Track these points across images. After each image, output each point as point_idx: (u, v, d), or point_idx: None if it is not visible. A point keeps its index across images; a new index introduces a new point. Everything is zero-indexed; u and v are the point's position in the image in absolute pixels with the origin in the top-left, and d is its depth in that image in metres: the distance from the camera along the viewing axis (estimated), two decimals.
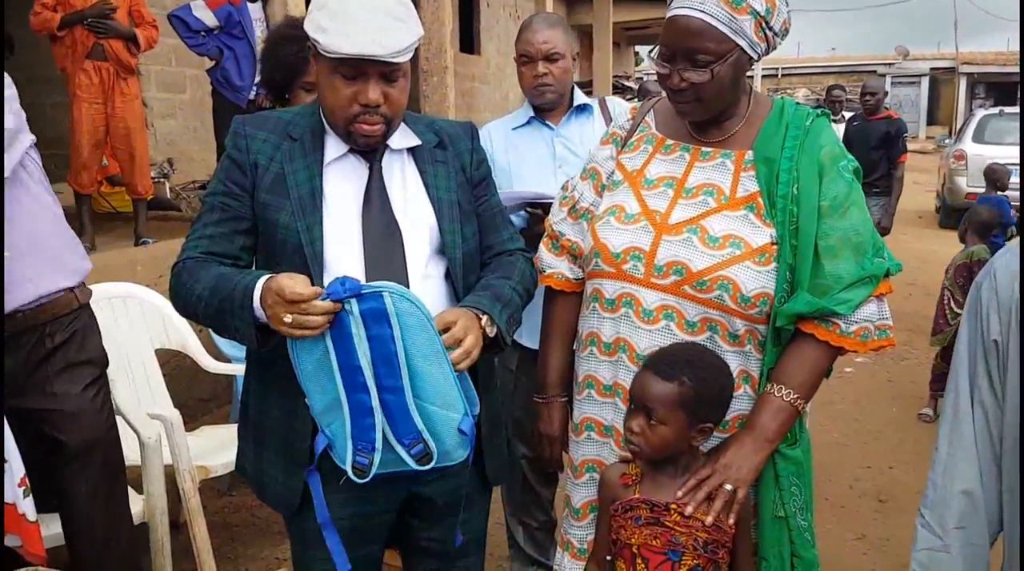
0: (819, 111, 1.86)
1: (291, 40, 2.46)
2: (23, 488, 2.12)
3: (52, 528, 2.36)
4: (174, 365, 4.06)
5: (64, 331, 2.33)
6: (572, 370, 2.02)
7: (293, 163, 1.79)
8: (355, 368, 1.55)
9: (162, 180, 7.48)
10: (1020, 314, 1.33)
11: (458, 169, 1.93)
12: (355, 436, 1.59)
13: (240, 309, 1.63)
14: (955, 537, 1.42)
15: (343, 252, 1.76)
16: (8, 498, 2.12)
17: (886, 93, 7.65)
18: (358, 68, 1.67)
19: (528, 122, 2.80)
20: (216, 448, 3.27)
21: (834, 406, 5.11)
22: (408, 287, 1.73)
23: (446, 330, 1.63)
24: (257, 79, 5.94)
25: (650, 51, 1.84)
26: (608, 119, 2.75)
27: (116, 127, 5.16)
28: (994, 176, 7.39)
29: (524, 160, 2.74)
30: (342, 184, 1.80)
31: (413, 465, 1.61)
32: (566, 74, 2.71)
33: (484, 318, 1.72)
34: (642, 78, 17.28)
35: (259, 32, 5.91)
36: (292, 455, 1.80)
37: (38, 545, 2.13)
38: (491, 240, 1.97)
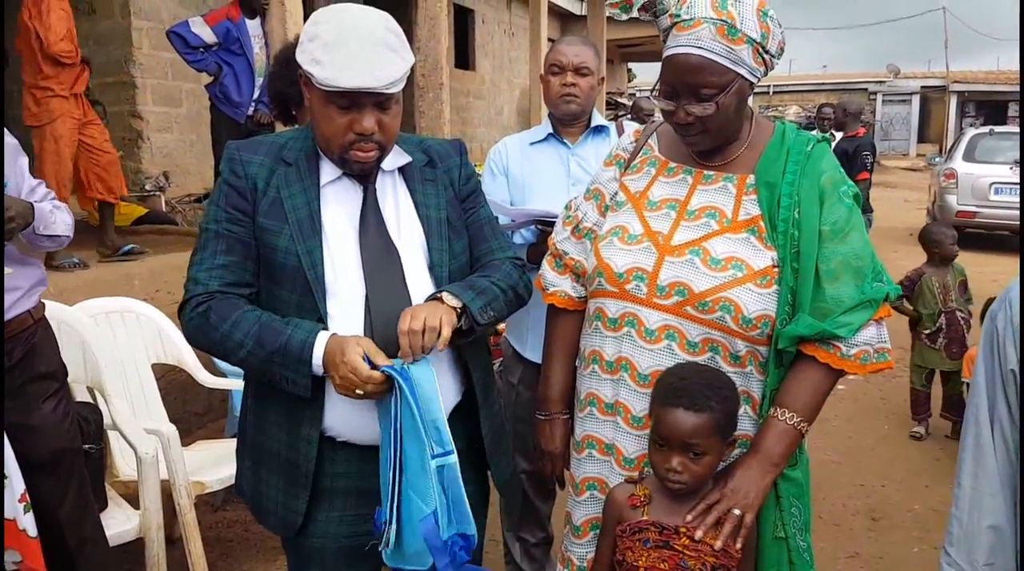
0: (820, 137, 1.88)
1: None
2: (23, 504, 2.14)
3: None
4: (169, 379, 4.06)
5: (22, 347, 2.39)
6: (574, 387, 2.04)
7: (290, 187, 1.80)
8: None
9: (158, 193, 7.49)
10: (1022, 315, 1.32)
11: (447, 185, 1.96)
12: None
13: (296, 364, 1.68)
14: None
15: (344, 275, 1.78)
16: (8, 514, 2.13)
17: (848, 112, 7.58)
18: (353, 99, 1.69)
19: (546, 138, 2.84)
20: (211, 463, 3.27)
21: (827, 423, 5.13)
22: (410, 304, 1.78)
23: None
24: (256, 94, 5.97)
25: (651, 90, 1.86)
26: None
27: (95, 141, 5.08)
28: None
29: (538, 175, 2.78)
30: (337, 207, 1.83)
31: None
32: (592, 90, 2.76)
33: (446, 295, 1.76)
34: (634, 94, 17.39)
35: (257, 49, 5.94)
36: (294, 477, 1.80)
37: (39, 561, 2.14)
38: (481, 250, 1.99)
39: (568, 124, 2.81)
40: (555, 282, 2.06)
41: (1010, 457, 1.36)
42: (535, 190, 2.76)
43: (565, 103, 2.74)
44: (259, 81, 5.95)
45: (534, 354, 2.66)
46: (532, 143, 2.86)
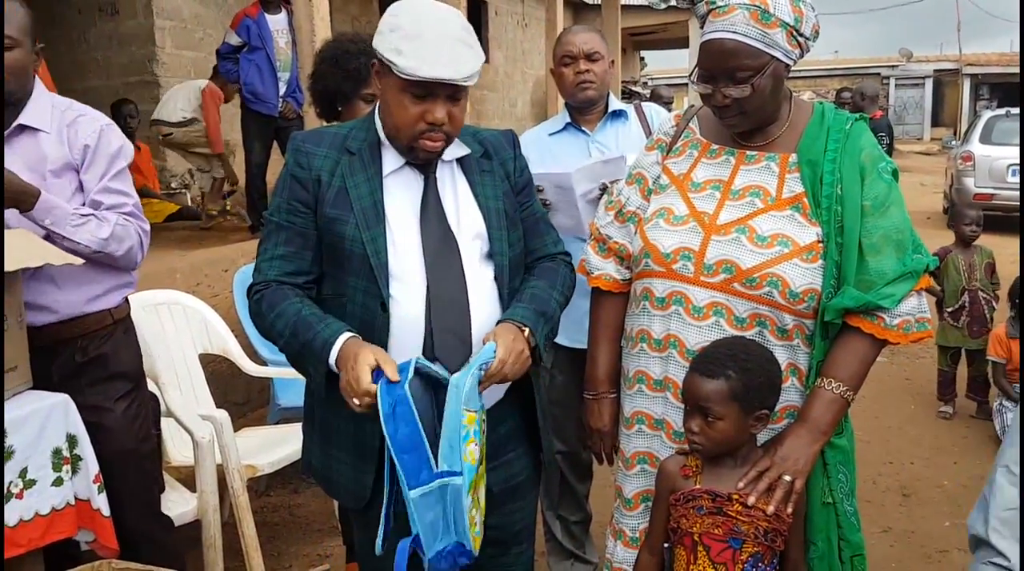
0: (857, 116, 1.95)
1: (357, 54, 2.58)
2: (97, 485, 2.22)
3: None
4: (210, 370, 4.15)
5: (96, 345, 2.41)
6: (620, 366, 2.11)
7: (354, 177, 1.87)
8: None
9: (183, 190, 7.59)
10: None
11: (503, 177, 2.02)
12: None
13: (316, 360, 1.77)
14: None
15: (406, 262, 1.85)
16: (83, 495, 2.22)
17: (866, 96, 7.68)
18: (428, 89, 1.76)
19: (564, 128, 2.88)
20: (259, 448, 3.37)
21: (854, 404, 5.15)
22: (467, 291, 1.86)
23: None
24: (283, 90, 6.05)
25: (690, 74, 1.93)
26: (644, 123, 2.84)
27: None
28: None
29: (560, 166, 2.76)
30: (399, 195, 1.89)
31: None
32: (606, 74, 2.80)
33: (526, 331, 1.83)
34: (647, 82, 17.35)
35: (283, 43, 6.01)
36: (362, 453, 1.88)
37: (112, 538, 2.23)
38: (535, 244, 2.06)
39: (586, 112, 2.84)
40: (600, 266, 2.12)
41: None
42: None
43: (582, 91, 2.77)
44: (284, 76, 6.03)
45: (567, 339, 2.68)
46: (551, 134, 2.90)
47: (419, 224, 1.88)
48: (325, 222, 1.86)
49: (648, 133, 2.78)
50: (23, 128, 2.29)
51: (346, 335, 1.75)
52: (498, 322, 1.87)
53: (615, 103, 2.89)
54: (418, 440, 1.63)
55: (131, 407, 2.48)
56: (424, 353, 1.82)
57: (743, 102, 1.82)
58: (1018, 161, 11.30)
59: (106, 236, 2.29)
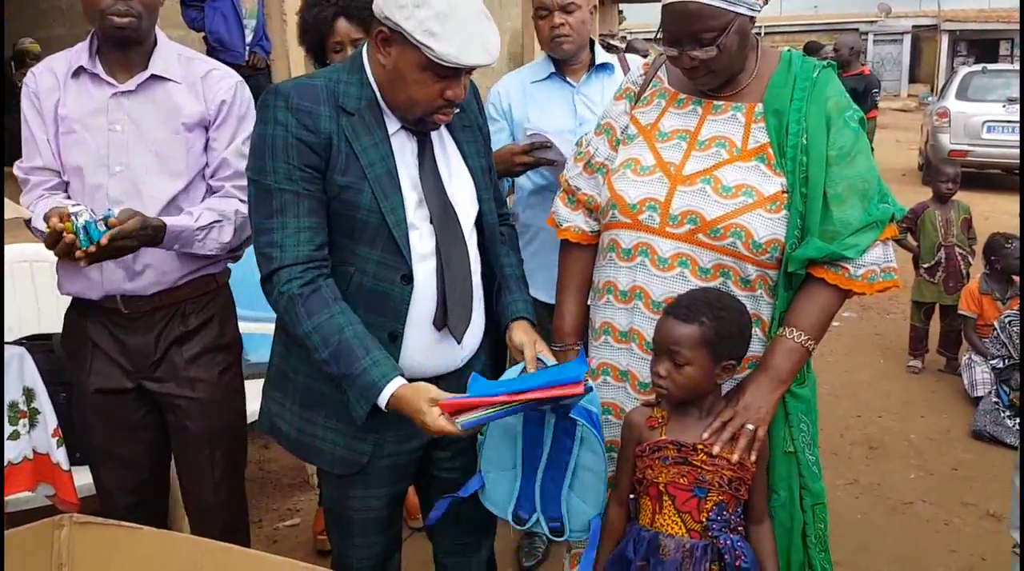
0: (825, 63, 1.92)
1: (315, 3, 2.43)
2: (56, 439, 2.20)
3: (86, 478, 2.39)
4: None
5: (200, 313, 2.28)
6: (587, 319, 2.09)
7: (359, 141, 1.76)
8: (536, 458, 1.84)
9: None
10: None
11: (477, 130, 1.99)
12: (519, 497, 1.89)
13: (361, 398, 1.70)
14: None
15: (419, 232, 1.81)
16: (42, 449, 2.19)
17: (854, 50, 7.65)
18: (455, 70, 1.69)
19: (548, 77, 2.79)
20: None
21: (823, 359, 5.23)
22: (469, 260, 1.88)
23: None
24: (250, 38, 5.92)
25: (654, 37, 1.89)
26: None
27: None
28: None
29: (543, 116, 2.74)
30: (399, 161, 1.82)
31: (547, 533, 1.91)
32: (583, 25, 2.70)
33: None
34: (625, 36, 17.18)
35: None
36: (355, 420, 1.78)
37: (71, 493, 2.21)
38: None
39: (570, 62, 2.77)
40: (569, 218, 2.10)
41: None
42: (540, 131, 2.72)
43: (558, 44, 2.70)
44: (250, 23, 5.88)
45: (545, 295, 2.66)
46: (534, 82, 2.81)
47: (421, 190, 1.83)
48: (335, 189, 1.75)
49: None
50: (154, 78, 2.17)
51: (396, 383, 1.68)
52: (514, 317, 1.95)
53: (602, 56, 2.81)
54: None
55: (233, 380, 2.37)
56: (435, 324, 1.83)
57: (710, 63, 1.79)
58: (992, 118, 11.35)
59: (228, 239, 2.19)
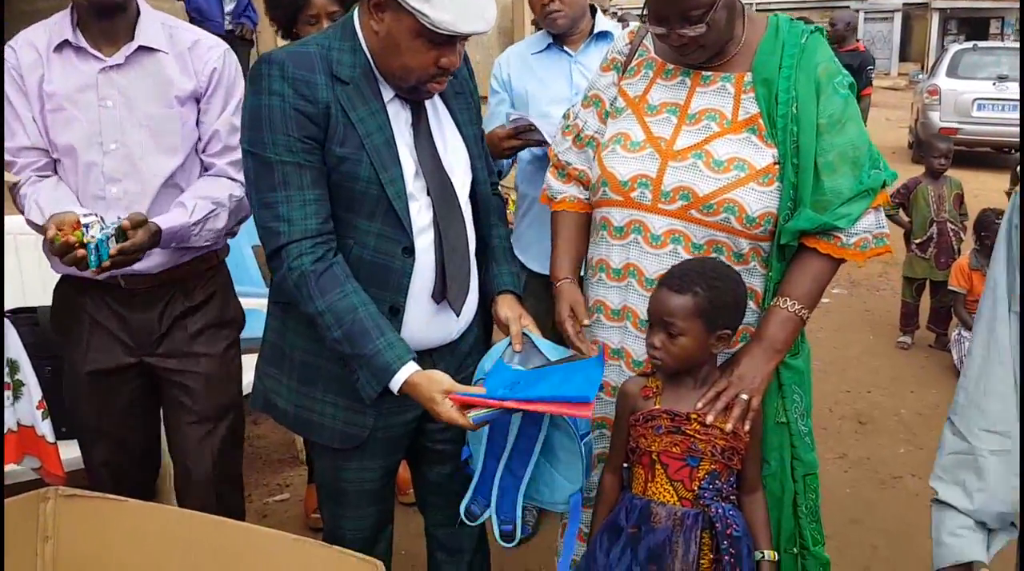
0: (813, 28, 1.89)
1: None
2: (41, 411, 2.17)
3: (73, 452, 2.36)
4: None
5: (204, 288, 2.24)
6: (583, 259, 2.04)
7: (356, 111, 1.71)
8: (501, 447, 1.82)
9: None
10: (1021, 259, 1.36)
11: (469, 96, 1.96)
12: (476, 491, 1.87)
13: (373, 379, 1.69)
14: (984, 440, 1.41)
15: (418, 204, 1.78)
16: (26, 421, 2.16)
17: (850, 25, 7.62)
18: (450, 37, 1.65)
19: (547, 48, 2.76)
20: None
21: (812, 335, 5.21)
22: (467, 231, 1.87)
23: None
24: (231, 7, 5.85)
25: (641, 14, 1.85)
26: None
27: None
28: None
29: (541, 86, 2.72)
30: (395, 130, 1.78)
31: (498, 537, 1.86)
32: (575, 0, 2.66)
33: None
34: (616, 13, 17.05)
35: None
36: (357, 394, 1.77)
37: (57, 466, 2.18)
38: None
39: (568, 33, 2.73)
40: (562, 189, 2.07)
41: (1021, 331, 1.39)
42: (539, 102, 2.70)
43: (552, 21, 2.67)
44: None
45: (540, 266, 2.67)
46: (534, 53, 2.79)
47: (416, 160, 1.79)
48: (333, 161, 1.71)
49: None
50: (142, 49, 2.10)
51: (410, 369, 1.67)
52: (500, 290, 1.93)
53: (603, 23, 2.77)
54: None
55: (236, 356, 2.33)
56: (434, 297, 1.81)
57: (700, 39, 1.76)
58: (983, 96, 11.34)
59: (222, 226, 2.14)
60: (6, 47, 2.11)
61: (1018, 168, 5.40)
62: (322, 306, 1.68)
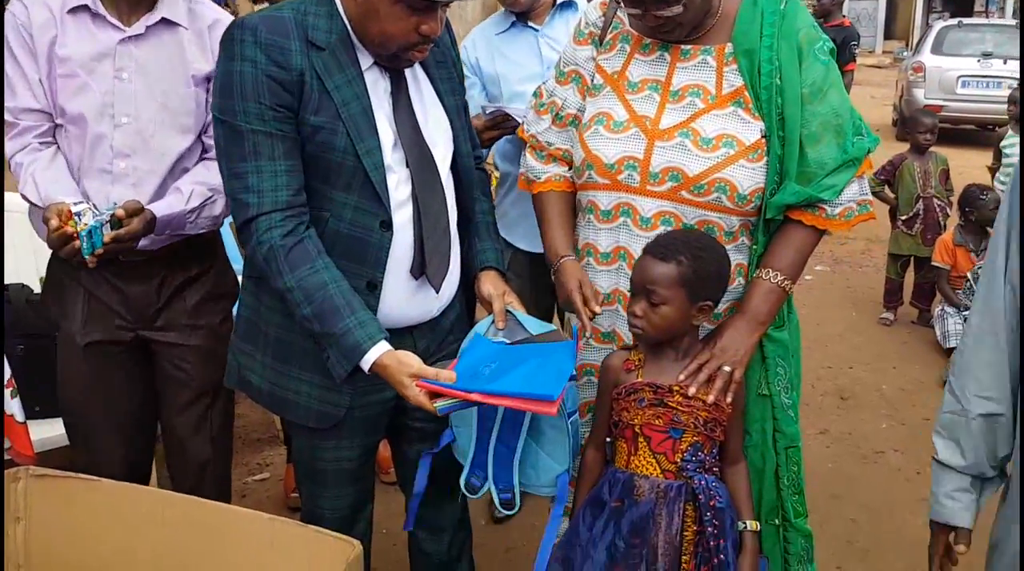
0: None
1: None
2: (10, 389, 2.12)
3: (45, 432, 2.33)
4: None
5: (201, 261, 2.19)
6: (575, 238, 1.98)
7: (332, 78, 1.66)
8: (491, 419, 1.79)
9: None
10: (1021, 237, 1.37)
11: (451, 65, 1.91)
12: (473, 462, 1.84)
13: (343, 358, 1.64)
14: (976, 404, 1.47)
15: (396, 177, 1.73)
16: None
17: (835, 0, 7.61)
18: (432, 2, 1.61)
19: (511, 26, 2.71)
20: None
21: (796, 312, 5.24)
22: (447, 205, 1.82)
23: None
24: None
25: None
26: None
27: None
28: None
29: (511, 66, 2.67)
30: (373, 100, 1.73)
31: (498, 505, 1.84)
32: None
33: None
34: None
35: None
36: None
37: (27, 446, 2.14)
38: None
39: (531, 8, 2.68)
40: (544, 170, 2.01)
41: (1016, 303, 1.43)
42: (511, 82, 2.65)
43: (514, 2, 2.64)
44: None
45: (527, 244, 2.65)
46: (498, 33, 2.73)
47: (395, 131, 1.74)
48: (308, 131, 1.66)
49: None
50: (163, 22, 2.02)
51: (381, 348, 1.62)
52: (483, 266, 1.90)
53: None
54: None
55: (230, 329, 2.21)
56: (413, 272, 1.77)
57: (676, 17, 1.72)
58: (967, 73, 11.35)
59: (219, 213, 2.09)
60: (14, 1, 2.01)
61: (1001, 143, 5.40)
62: (291, 282, 1.63)
